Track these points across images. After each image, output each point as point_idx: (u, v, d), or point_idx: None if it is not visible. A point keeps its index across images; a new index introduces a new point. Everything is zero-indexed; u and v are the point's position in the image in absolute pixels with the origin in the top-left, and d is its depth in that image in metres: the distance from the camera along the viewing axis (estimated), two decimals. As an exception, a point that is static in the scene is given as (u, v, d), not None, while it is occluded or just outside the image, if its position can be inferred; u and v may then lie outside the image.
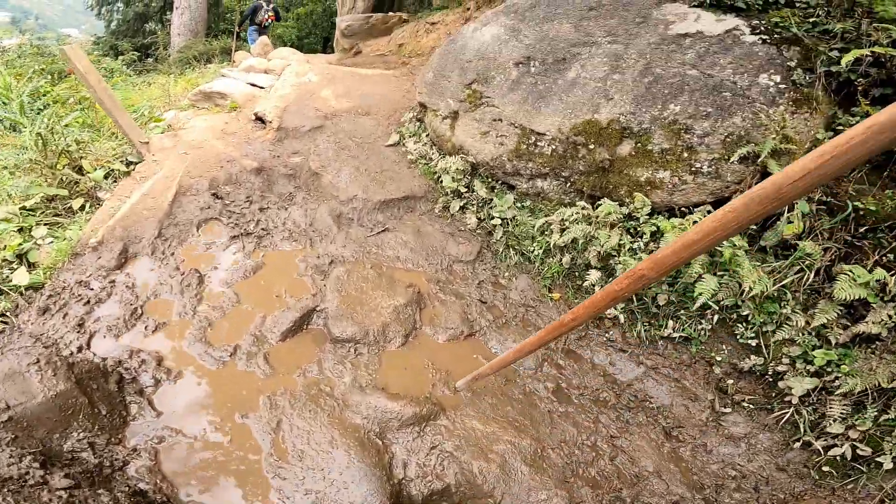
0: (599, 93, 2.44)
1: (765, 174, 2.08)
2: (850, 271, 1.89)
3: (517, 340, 2.30)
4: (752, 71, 2.18)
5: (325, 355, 2.22)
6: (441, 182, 3.03)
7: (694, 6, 2.47)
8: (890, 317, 1.83)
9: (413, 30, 6.32)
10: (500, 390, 2.15)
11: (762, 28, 2.29)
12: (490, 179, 2.96)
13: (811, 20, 2.29)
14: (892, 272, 1.86)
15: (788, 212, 2.06)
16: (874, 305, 1.86)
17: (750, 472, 1.92)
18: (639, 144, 2.30)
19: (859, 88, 2.08)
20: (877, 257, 1.92)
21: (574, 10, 2.77)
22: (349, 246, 2.73)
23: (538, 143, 2.61)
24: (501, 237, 2.71)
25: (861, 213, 1.95)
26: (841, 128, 2.06)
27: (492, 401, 2.09)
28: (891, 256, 1.90)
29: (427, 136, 3.38)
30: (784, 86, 2.12)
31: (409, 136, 3.50)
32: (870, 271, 1.87)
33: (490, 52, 2.92)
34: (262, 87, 4.56)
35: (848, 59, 1.93)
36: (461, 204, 2.93)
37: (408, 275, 2.62)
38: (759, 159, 2.03)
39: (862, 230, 1.96)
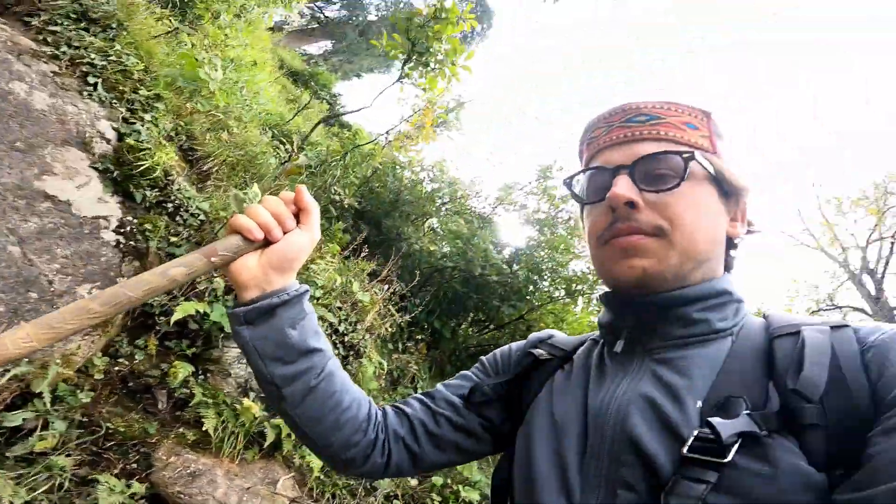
0: None
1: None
2: (107, 481, 1.97)
3: None
4: (78, 279, 1.98)
5: None
6: None
7: (93, 166, 2.02)
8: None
9: None
10: None
11: (129, 229, 2.19)
12: None
13: (174, 238, 2.42)
14: (138, 476, 2.11)
15: (43, 430, 1.92)
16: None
17: None
18: None
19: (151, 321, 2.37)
20: (123, 465, 2.12)
21: None
22: None
23: None
24: None
25: (112, 431, 2.13)
26: (119, 352, 2.23)
27: None
28: (135, 465, 2.16)
29: None
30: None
31: None
32: (118, 478, 2.03)
33: None
34: None
35: (177, 316, 2.14)
36: None
37: None
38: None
39: (111, 444, 2.13)
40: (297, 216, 0.68)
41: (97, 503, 2.05)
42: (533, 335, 0.81)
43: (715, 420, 0.47)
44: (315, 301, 2.98)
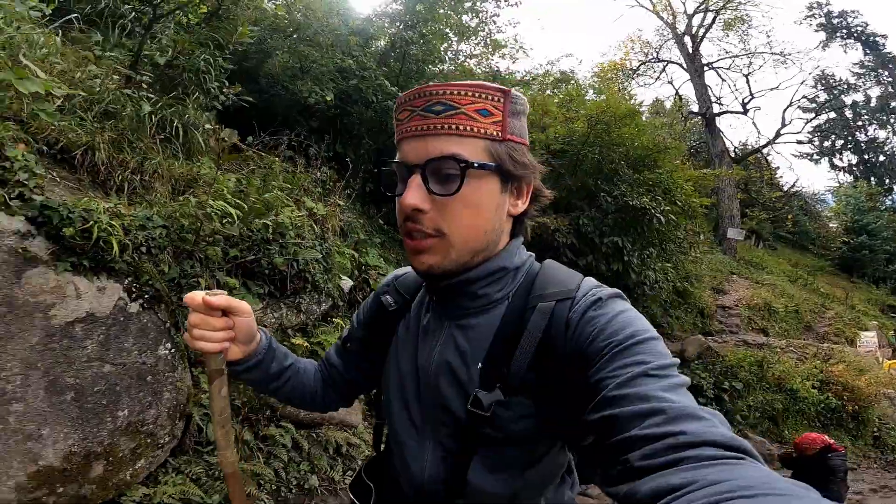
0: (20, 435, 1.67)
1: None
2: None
3: None
4: (151, 345, 2.40)
5: None
6: None
7: (67, 271, 2.05)
8: None
9: None
10: None
11: (135, 290, 2.42)
12: None
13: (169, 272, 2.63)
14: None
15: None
16: None
17: None
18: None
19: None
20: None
21: None
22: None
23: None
24: None
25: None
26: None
27: None
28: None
29: None
30: (174, 350, 2.55)
31: None
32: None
33: None
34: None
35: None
36: None
37: None
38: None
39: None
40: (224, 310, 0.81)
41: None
42: (385, 278, 0.99)
43: (481, 394, 0.70)
44: (295, 246, 3.43)
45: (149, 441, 2.37)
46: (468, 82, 0.71)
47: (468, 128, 0.70)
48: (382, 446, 0.95)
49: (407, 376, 0.83)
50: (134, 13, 4.15)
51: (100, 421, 2.08)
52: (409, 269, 0.93)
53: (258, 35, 4.94)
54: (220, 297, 0.79)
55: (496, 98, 0.71)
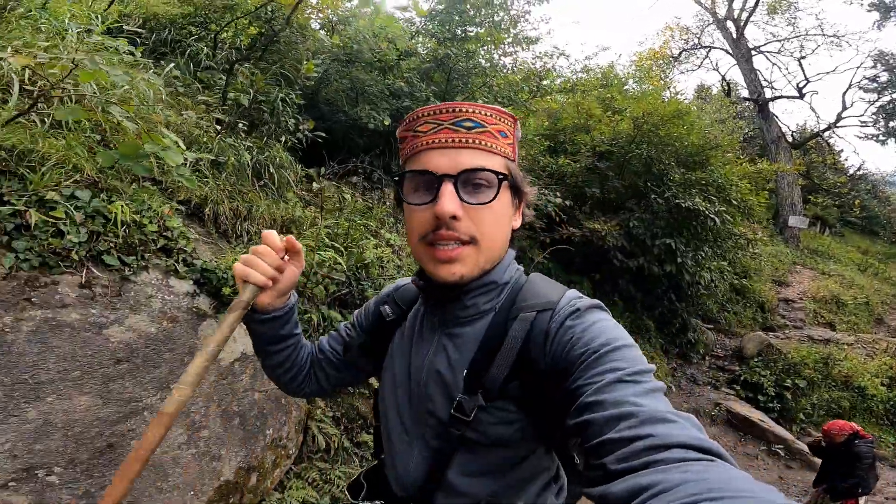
0: (208, 457, 2.24)
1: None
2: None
3: None
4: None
5: None
6: None
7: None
8: None
9: None
10: None
11: None
12: None
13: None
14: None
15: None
16: None
17: None
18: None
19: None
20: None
21: (89, 368, 1.93)
22: None
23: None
24: None
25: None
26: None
27: None
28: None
29: None
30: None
31: None
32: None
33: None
34: None
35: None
36: None
37: None
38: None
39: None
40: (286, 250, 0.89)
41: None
42: (386, 289, 1.05)
43: (463, 399, 0.76)
44: (380, 277, 3.93)
45: (282, 453, 2.93)
46: (489, 105, 0.79)
47: (494, 145, 0.77)
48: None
49: (400, 382, 0.89)
50: (204, 47, 4.57)
51: (255, 440, 2.64)
52: (408, 280, 1.00)
53: (319, 65, 5.37)
54: (297, 243, 0.90)
55: (509, 123, 0.80)
